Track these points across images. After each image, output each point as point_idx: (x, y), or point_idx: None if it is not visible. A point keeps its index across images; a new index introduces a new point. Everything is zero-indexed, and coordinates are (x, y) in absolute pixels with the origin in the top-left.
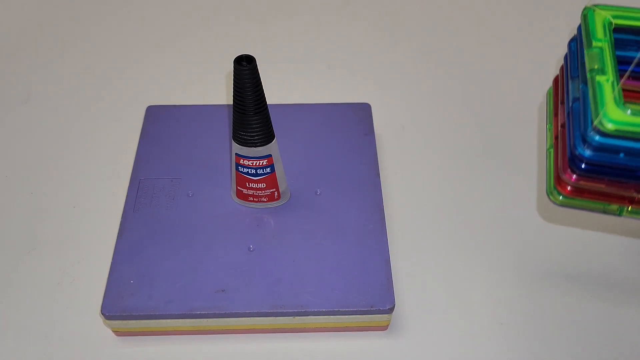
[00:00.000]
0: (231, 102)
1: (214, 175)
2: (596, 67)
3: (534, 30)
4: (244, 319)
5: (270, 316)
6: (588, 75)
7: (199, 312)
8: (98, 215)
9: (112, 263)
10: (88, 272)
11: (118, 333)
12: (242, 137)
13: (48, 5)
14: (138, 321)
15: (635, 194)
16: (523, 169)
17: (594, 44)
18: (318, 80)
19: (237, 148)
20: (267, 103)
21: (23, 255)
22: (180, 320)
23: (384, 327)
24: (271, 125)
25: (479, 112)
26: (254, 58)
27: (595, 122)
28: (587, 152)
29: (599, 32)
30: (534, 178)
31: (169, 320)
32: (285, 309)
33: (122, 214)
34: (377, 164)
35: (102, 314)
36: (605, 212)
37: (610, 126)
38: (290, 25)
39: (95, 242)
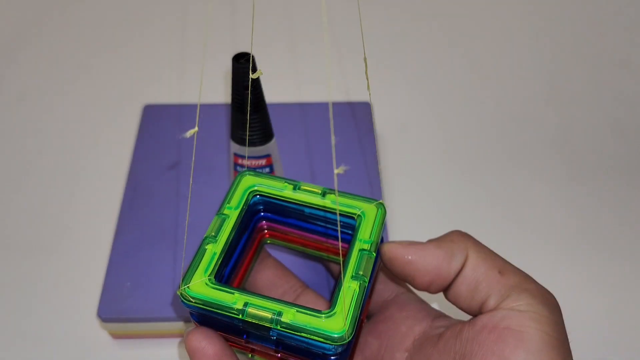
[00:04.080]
0: (229, 101)
1: (212, 175)
2: (213, 234)
3: (535, 29)
4: None
5: None
6: (204, 240)
7: None
8: (94, 216)
9: (108, 265)
10: (84, 274)
11: (115, 336)
12: (241, 136)
13: (43, 3)
14: (135, 324)
15: (245, 344)
16: (525, 167)
17: (225, 210)
18: (317, 79)
19: (235, 147)
20: (266, 102)
21: (18, 257)
22: (177, 323)
23: None
24: (270, 125)
25: (481, 110)
26: (253, 56)
27: (180, 289)
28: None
29: (235, 199)
30: (540, 178)
31: (165, 323)
32: None
33: (119, 215)
34: (377, 163)
35: (99, 316)
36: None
37: (191, 298)
38: (289, 23)
39: (91, 243)
